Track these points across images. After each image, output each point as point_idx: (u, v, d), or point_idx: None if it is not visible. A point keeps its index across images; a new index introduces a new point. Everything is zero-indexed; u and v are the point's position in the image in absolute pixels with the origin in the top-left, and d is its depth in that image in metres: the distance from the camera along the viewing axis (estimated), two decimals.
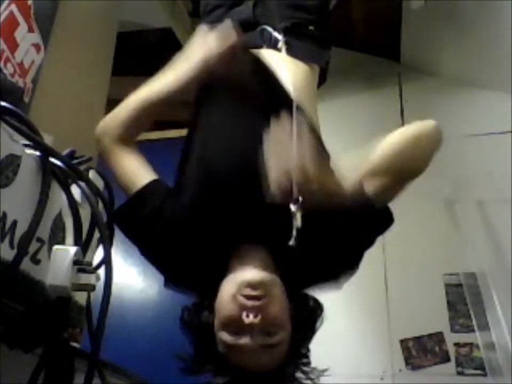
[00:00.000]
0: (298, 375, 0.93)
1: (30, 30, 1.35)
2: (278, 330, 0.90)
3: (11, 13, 1.27)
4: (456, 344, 2.55)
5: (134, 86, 1.17)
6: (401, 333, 2.63)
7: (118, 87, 1.41)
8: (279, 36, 1.22)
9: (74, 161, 0.91)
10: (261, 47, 1.26)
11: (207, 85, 1.15)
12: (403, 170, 1.05)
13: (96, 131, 1.13)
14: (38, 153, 0.77)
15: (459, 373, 2.51)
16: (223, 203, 1.00)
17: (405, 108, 3.12)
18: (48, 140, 0.89)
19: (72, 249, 0.78)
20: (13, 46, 1.27)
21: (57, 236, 0.81)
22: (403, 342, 2.62)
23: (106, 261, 0.81)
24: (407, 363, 2.59)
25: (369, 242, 1.07)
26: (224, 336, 0.90)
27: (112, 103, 1.30)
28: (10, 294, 0.69)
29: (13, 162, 0.70)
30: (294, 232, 0.90)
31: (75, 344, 1.02)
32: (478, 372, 2.47)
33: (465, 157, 2.77)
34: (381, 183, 1.03)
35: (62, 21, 1.54)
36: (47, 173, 0.77)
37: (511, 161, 2.65)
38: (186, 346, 0.96)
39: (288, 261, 0.97)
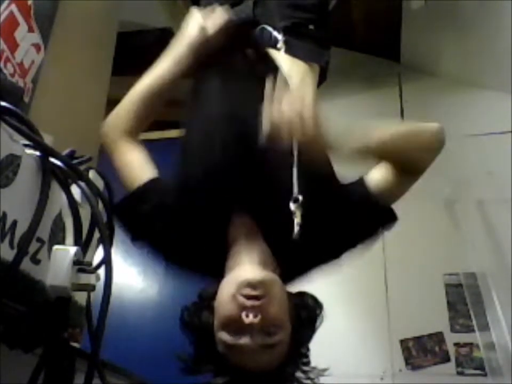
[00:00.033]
0: (298, 374, 0.93)
1: (30, 30, 1.35)
2: (278, 330, 0.90)
3: (11, 13, 1.27)
4: (456, 344, 2.55)
5: (134, 86, 1.19)
6: (401, 333, 2.63)
7: (118, 87, 1.42)
8: (279, 35, 1.22)
9: (74, 161, 0.91)
10: (260, 46, 1.27)
11: (203, 64, 1.21)
12: (403, 159, 1.03)
13: (102, 128, 1.17)
14: (38, 153, 0.77)
15: (459, 373, 2.51)
16: (222, 172, 1.03)
17: (405, 108, 3.12)
18: (48, 140, 0.88)
19: (72, 249, 0.78)
20: (13, 46, 1.27)
21: (57, 236, 0.81)
22: (403, 342, 2.62)
23: (106, 261, 0.81)
24: (407, 363, 2.59)
25: (370, 234, 1.06)
26: (224, 336, 0.90)
27: (112, 103, 1.30)
28: (10, 294, 0.69)
29: (13, 162, 0.70)
30: (296, 228, 0.91)
31: (75, 344, 1.02)
32: (478, 372, 2.47)
33: (465, 157, 2.77)
34: (382, 177, 1.04)
35: (62, 21, 1.54)
36: (47, 173, 0.77)
37: (511, 161, 2.65)
38: (186, 346, 0.96)
39: (288, 251, 0.98)
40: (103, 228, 0.86)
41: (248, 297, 0.89)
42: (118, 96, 1.21)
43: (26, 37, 1.33)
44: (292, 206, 0.95)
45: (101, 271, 0.82)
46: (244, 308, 0.88)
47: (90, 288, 0.81)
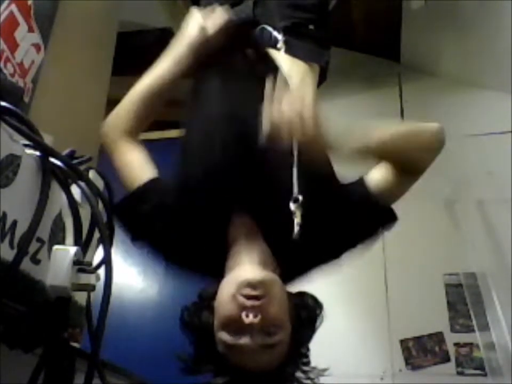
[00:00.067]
0: (298, 374, 0.93)
1: (30, 30, 1.35)
2: (278, 330, 0.90)
3: (11, 13, 1.27)
4: (456, 344, 2.55)
5: (134, 86, 1.19)
6: (401, 333, 2.63)
7: (118, 87, 1.42)
8: (279, 35, 1.22)
9: (74, 161, 0.91)
10: (260, 46, 1.27)
11: (203, 64, 1.21)
12: (403, 159, 1.04)
13: (102, 128, 1.17)
14: (38, 153, 0.77)
15: (459, 373, 2.51)
16: (222, 172, 1.04)
17: (405, 108, 3.12)
18: (48, 140, 0.88)
19: (72, 249, 0.78)
20: (13, 46, 1.27)
21: (57, 236, 0.81)
22: (403, 342, 2.62)
23: (106, 261, 0.81)
24: (407, 363, 2.59)
25: (370, 234, 1.06)
26: (224, 336, 0.90)
27: (112, 103, 1.30)
28: (10, 294, 0.69)
29: (13, 162, 0.70)
30: (296, 228, 0.91)
31: (75, 344, 1.02)
32: (478, 372, 2.47)
33: (465, 157, 2.77)
34: (382, 177, 1.04)
35: (62, 21, 1.54)
36: (47, 173, 0.77)
37: (511, 161, 2.65)
38: (186, 346, 0.97)
39: (288, 251, 0.98)
40: (103, 228, 0.86)
41: (248, 297, 0.89)
42: (118, 96, 1.21)
43: (26, 37, 1.33)
44: (292, 206, 0.95)
45: (101, 271, 0.82)
46: (244, 307, 0.88)
47: (90, 288, 0.81)
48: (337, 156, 1.03)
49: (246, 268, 0.95)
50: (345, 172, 1.08)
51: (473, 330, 2.51)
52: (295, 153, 0.97)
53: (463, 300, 2.60)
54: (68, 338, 0.88)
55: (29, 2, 1.35)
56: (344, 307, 2.67)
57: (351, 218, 1.02)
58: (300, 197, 0.95)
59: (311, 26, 1.31)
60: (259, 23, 1.29)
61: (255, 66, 1.25)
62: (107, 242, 0.83)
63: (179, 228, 1.04)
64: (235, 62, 1.26)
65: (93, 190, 0.89)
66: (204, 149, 1.10)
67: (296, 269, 1.05)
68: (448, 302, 2.64)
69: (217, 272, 1.00)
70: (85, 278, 0.79)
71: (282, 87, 0.95)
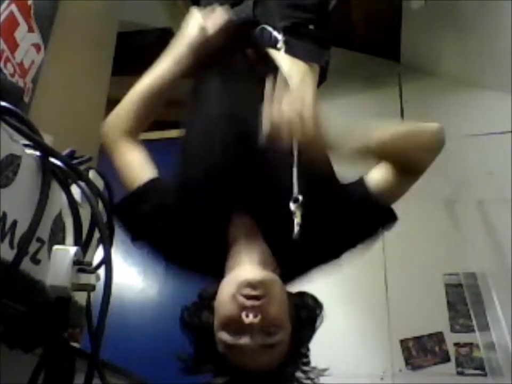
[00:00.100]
0: (298, 374, 0.93)
1: (30, 30, 1.35)
2: (278, 330, 0.90)
3: (11, 13, 1.27)
4: (456, 344, 2.55)
5: (134, 86, 1.19)
6: (401, 333, 2.63)
7: (118, 87, 1.42)
8: (279, 35, 1.22)
9: (74, 161, 0.91)
10: (260, 45, 1.27)
11: (203, 64, 1.21)
12: (403, 159, 1.04)
13: (102, 128, 1.18)
14: (38, 153, 0.77)
15: (459, 373, 2.51)
16: (222, 172, 1.04)
17: (405, 108, 3.12)
18: (48, 140, 0.88)
19: (72, 249, 0.78)
20: (13, 46, 1.27)
21: (57, 236, 0.81)
22: (403, 342, 2.62)
23: (106, 261, 0.81)
24: (407, 363, 2.59)
25: (370, 234, 1.06)
26: (224, 336, 0.90)
27: (112, 103, 1.30)
28: (10, 294, 0.69)
29: (13, 162, 0.70)
30: (296, 228, 0.91)
31: (75, 344, 1.02)
32: (478, 372, 2.47)
33: (465, 157, 2.77)
34: (382, 177, 1.04)
35: (62, 21, 1.54)
36: (47, 173, 0.77)
37: (511, 161, 2.65)
38: (186, 346, 0.96)
39: (288, 251, 0.98)
40: (103, 227, 0.86)
41: (248, 297, 0.89)
42: (118, 96, 1.21)
43: (26, 37, 1.33)
44: (292, 206, 0.95)
45: (101, 271, 0.82)
46: (244, 307, 0.88)
47: (90, 288, 0.81)
48: (337, 155, 1.03)
49: (246, 268, 0.95)
50: (345, 172, 1.08)
51: (473, 330, 2.51)
52: (295, 153, 0.97)
53: (463, 300, 2.60)
54: (68, 338, 0.88)
55: (29, 2, 1.35)
56: (344, 307, 2.67)
57: (351, 218, 1.02)
58: (300, 197, 0.95)
59: (311, 26, 1.31)
60: (259, 23, 1.29)
61: (255, 66, 1.25)
62: (107, 242, 0.83)
63: (179, 227, 1.04)
64: (235, 62, 1.26)
65: (93, 190, 0.89)
66: (204, 148, 1.10)
67: (296, 269, 1.05)
68: (448, 302, 2.64)
69: (217, 272, 1.00)
70: (85, 278, 0.79)
71: (282, 86, 0.95)
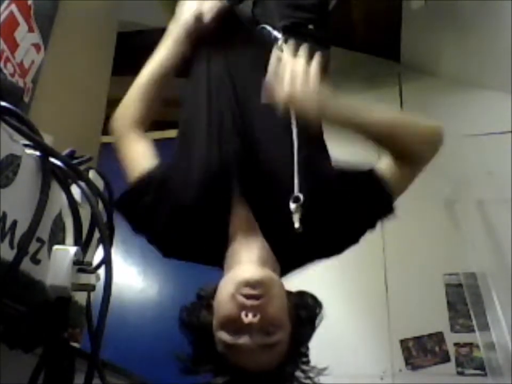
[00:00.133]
0: (298, 374, 0.93)
1: (30, 30, 1.35)
2: (277, 329, 0.89)
3: (11, 13, 1.27)
4: (456, 344, 2.55)
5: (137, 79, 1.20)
6: (401, 333, 2.63)
7: (118, 87, 1.42)
8: (279, 35, 1.22)
9: (74, 161, 0.91)
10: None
11: (199, 45, 1.25)
12: (399, 145, 1.03)
13: (111, 123, 1.20)
14: (38, 153, 0.77)
15: (459, 373, 2.51)
16: (221, 163, 1.04)
17: (405, 108, 3.12)
18: (48, 140, 0.89)
19: (72, 249, 0.78)
20: (13, 46, 1.27)
21: (57, 236, 0.81)
22: (403, 342, 2.62)
23: (106, 261, 0.81)
24: (407, 363, 2.59)
25: (370, 223, 1.06)
26: (223, 335, 0.90)
27: (112, 103, 1.31)
28: (10, 294, 0.69)
29: (13, 162, 0.70)
30: (296, 223, 0.91)
31: (75, 344, 1.02)
32: (478, 371, 2.47)
33: (465, 157, 2.77)
34: (387, 168, 1.04)
35: (62, 21, 1.54)
36: (47, 173, 0.77)
37: (511, 161, 2.65)
38: (186, 346, 0.96)
39: (288, 245, 0.98)
40: (103, 227, 0.86)
41: (248, 296, 0.89)
42: (118, 96, 1.22)
43: (26, 37, 1.33)
44: (292, 205, 0.95)
45: (101, 271, 0.82)
46: (243, 307, 0.88)
47: (90, 288, 0.81)
48: (332, 125, 1.04)
49: (245, 267, 0.95)
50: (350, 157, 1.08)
51: (473, 330, 2.51)
52: (294, 124, 0.98)
53: (463, 300, 2.60)
54: (68, 338, 0.88)
55: (29, 2, 1.35)
56: (344, 307, 2.67)
57: (352, 208, 1.01)
58: (301, 196, 0.94)
59: (310, 26, 1.31)
60: (259, 22, 1.29)
61: (251, 47, 1.25)
62: (107, 242, 0.83)
63: (179, 220, 1.04)
64: (232, 43, 1.27)
65: (93, 190, 0.89)
66: (202, 135, 1.09)
67: (296, 264, 1.05)
68: (448, 302, 2.64)
69: (218, 260, 1.00)
70: (85, 278, 0.79)
71: (281, 60, 0.98)
